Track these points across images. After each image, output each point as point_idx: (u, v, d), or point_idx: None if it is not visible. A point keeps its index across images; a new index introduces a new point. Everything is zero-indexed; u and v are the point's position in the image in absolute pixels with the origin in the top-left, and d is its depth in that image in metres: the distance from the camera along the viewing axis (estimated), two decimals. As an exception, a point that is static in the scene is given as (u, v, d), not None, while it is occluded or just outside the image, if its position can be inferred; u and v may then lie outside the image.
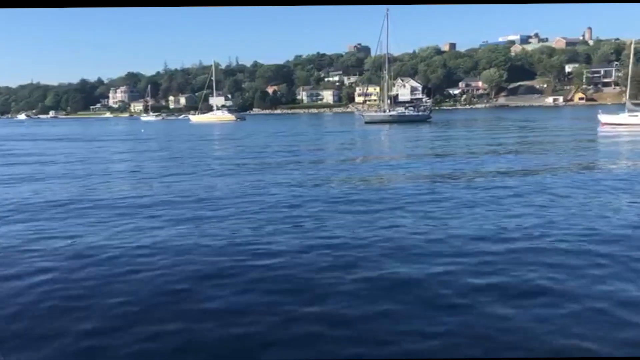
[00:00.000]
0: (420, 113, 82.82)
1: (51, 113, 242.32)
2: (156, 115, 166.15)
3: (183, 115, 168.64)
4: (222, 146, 44.57)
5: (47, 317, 7.70)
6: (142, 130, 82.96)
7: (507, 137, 44.13)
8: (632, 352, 6.40)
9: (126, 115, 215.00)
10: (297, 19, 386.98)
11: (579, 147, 34.16)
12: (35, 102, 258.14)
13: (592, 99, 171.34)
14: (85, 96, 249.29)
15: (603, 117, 54.92)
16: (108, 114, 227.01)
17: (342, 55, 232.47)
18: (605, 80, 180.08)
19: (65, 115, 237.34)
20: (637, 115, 53.17)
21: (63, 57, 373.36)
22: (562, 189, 17.13)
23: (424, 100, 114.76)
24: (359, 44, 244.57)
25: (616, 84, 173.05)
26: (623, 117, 53.91)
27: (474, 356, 6.45)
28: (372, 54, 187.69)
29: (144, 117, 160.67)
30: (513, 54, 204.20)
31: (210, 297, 8.27)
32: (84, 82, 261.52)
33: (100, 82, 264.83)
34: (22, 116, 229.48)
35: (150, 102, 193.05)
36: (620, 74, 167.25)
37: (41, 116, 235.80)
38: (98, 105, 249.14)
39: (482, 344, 6.63)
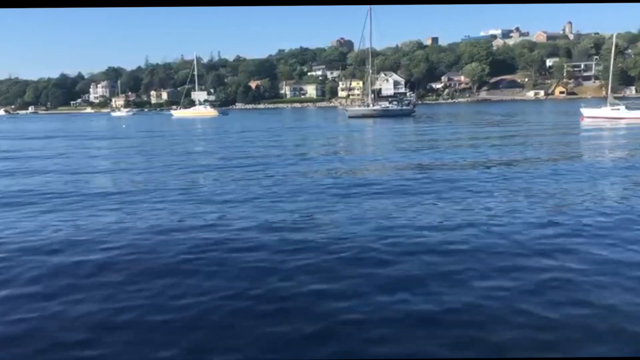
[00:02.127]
0: (404, 107, 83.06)
1: (31, 108, 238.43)
2: (127, 111, 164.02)
3: (153, 110, 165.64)
4: (205, 147, 43.25)
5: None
6: (124, 126, 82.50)
7: (492, 138, 43.47)
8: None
9: (107, 110, 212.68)
10: (280, 13, 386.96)
11: (565, 142, 34.34)
12: (14, 98, 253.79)
13: (573, 93, 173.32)
14: (66, 91, 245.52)
15: (585, 111, 55.52)
16: (89, 109, 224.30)
17: (325, 50, 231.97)
18: (586, 74, 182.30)
19: (45, 110, 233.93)
20: (618, 109, 53.87)
21: (42, 52, 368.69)
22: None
23: (407, 94, 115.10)
24: (342, 39, 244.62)
25: (596, 77, 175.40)
26: (605, 111, 54.55)
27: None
28: (355, 48, 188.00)
29: (115, 113, 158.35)
30: (494, 48, 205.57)
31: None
32: (64, 77, 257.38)
33: (80, 77, 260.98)
34: (0, 112, 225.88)
35: (132, 97, 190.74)
36: (600, 68, 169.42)
37: (20, 112, 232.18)
38: (79, 100, 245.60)
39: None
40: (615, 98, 57.87)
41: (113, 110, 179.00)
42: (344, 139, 44.26)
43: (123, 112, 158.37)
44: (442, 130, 50.11)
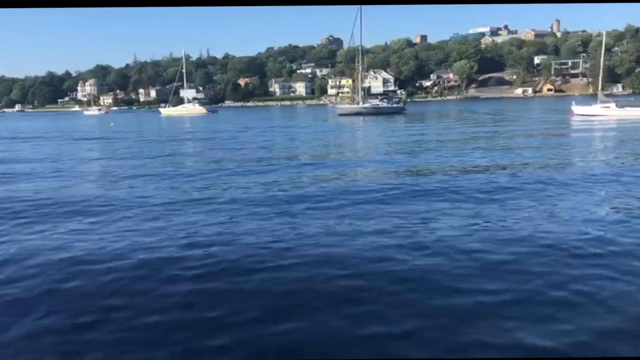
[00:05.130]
0: (394, 105, 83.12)
1: (17, 107, 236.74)
2: (99, 110, 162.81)
3: (142, 107, 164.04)
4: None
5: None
6: (112, 124, 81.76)
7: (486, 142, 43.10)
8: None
9: (94, 108, 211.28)
10: (269, 11, 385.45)
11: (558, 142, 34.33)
12: (0, 96, 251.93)
13: (561, 90, 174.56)
14: (53, 89, 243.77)
15: (576, 109, 55.71)
16: (77, 108, 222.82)
17: (314, 47, 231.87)
18: (573, 71, 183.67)
19: (32, 108, 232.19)
20: (609, 107, 54.04)
21: (29, 50, 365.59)
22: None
23: (398, 92, 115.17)
24: (332, 36, 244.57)
25: (583, 75, 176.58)
26: (595, 109, 54.67)
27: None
28: (345, 46, 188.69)
29: (87, 112, 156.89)
30: (483, 45, 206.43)
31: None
32: (51, 75, 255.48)
33: (68, 75, 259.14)
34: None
35: (120, 95, 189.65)
36: (587, 66, 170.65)
37: (6, 110, 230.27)
38: (66, 98, 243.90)
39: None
40: (607, 95, 58.09)
41: (100, 108, 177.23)
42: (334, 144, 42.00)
43: (95, 111, 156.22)
44: (435, 130, 49.99)
